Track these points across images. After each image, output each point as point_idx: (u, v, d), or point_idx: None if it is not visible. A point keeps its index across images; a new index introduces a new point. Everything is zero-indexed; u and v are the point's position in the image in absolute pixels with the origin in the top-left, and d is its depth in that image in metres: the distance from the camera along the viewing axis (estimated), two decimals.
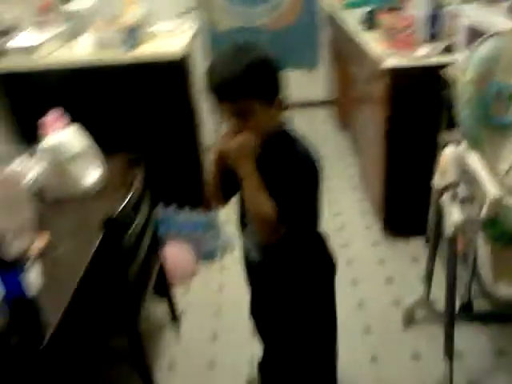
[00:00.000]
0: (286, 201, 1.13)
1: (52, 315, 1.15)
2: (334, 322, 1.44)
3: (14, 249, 1.17)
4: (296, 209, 1.16)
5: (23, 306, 1.14)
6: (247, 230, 1.31)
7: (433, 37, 2.27)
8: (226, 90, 1.09)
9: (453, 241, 1.49)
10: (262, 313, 1.50)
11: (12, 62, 2.32)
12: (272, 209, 1.12)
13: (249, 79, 1.08)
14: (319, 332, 1.42)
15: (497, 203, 1.27)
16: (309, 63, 4.26)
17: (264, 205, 1.12)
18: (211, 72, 1.11)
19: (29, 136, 2.39)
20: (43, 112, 1.65)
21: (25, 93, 2.47)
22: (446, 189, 1.47)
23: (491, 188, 1.28)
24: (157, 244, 1.89)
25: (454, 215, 1.43)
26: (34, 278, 1.23)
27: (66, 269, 1.33)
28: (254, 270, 1.39)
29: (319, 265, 1.35)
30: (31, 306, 1.15)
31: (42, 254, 1.37)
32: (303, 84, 4.09)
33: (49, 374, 1.18)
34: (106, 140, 1.71)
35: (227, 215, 2.75)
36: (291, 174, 1.15)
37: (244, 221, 1.31)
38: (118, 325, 1.59)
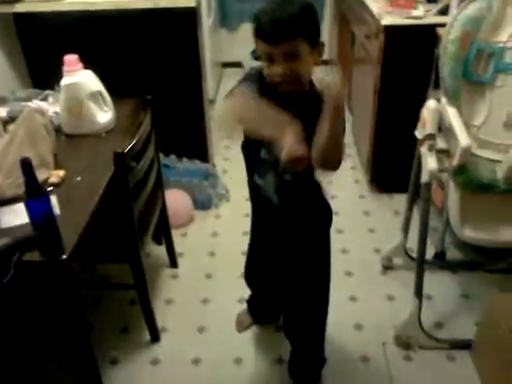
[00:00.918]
0: None
1: (69, 237, 1.25)
2: (329, 260, 1.54)
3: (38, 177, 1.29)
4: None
5: (50, 225, 1.23)
6: (270, 175, 1.34)
7: None
8: (283, 28, 1.09)
9: (427, 187, 1.61)
10: (274, 255, 1.57)
11: (30, 4, 2.29)
12: None
13: (304, 19, 1.12)
14: (321, 268, 1.52)
15: (467, 152, 1.40)
16: None
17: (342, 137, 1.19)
18: (264, 16, 1.12)
19: (40, 79, 2.45)
20: (56, 55, 1.68)
21: (39, 35, 2.48)
22: (424, 140, 1.57)
23: (463, 138, 1.40)
24: (160, 185, 2.01)
25: (430, 164, 1.54)
26: (55, 204, 1.33)
27: (81, 198, 1.42)
28: (275, 212, 1.41)
29: (325, 207, 1.46)
30: (56, 226, 1.25)
31: (60, 184, 1.46)
32: None
33: (66, 287, 1.31)
34: (117, 83, 1.76)
35: (224, 166, 2.89)
36: None
37: (265, 168, 1.33)
38: (122, 252, 1.71)
